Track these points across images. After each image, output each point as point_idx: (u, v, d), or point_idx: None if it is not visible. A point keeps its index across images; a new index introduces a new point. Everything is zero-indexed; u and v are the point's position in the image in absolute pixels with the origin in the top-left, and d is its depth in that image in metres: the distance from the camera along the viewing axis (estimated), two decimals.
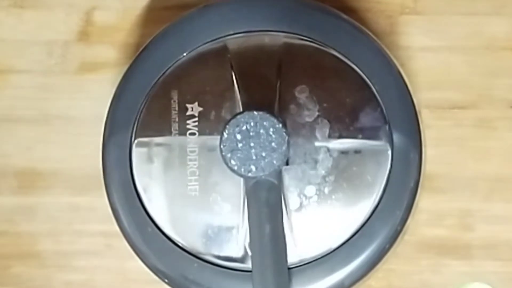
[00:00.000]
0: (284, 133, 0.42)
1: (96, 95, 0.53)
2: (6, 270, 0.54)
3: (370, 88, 0.47)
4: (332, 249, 0.46)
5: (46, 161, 0.54)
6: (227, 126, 0.42)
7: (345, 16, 0.49)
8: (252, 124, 0.42)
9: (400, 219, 0.46)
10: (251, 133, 0.42)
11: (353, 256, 0.46)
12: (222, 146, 0.42)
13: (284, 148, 0.42)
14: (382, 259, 0.46)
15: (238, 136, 0.42)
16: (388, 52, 0.48)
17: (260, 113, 0.42)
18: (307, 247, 0.46)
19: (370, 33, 0.49)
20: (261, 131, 0.42)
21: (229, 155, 0.42)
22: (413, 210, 0.47)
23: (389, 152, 0.46)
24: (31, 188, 0.54)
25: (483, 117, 0.54)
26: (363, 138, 0.46)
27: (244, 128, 0.42)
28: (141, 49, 0.49)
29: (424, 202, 0.53)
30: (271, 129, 0.42)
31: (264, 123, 0.42)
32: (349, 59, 0.47)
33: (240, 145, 0.42)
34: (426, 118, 0.53)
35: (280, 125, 0.42)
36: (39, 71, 0.55)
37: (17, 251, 0.54)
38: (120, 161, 0.47)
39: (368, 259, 0.46)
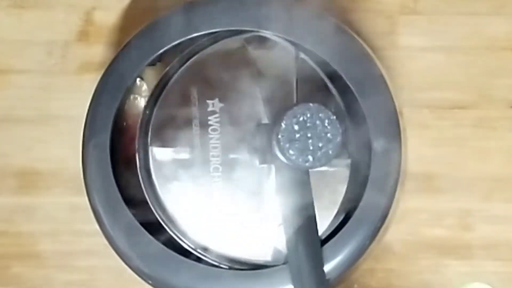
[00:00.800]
0: (338, 125, 0.43)
1: None
2: (6, 270, 0.54)
3: (349, 88, 0.47)
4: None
5: (46, 161, 0.54)
6: (285, 117, 0.42)
7: (327, 16, 0.49)
8: (308, 115, 0.42)
9: (380, 217, 0.46)
10: (308, 124, 0.42)
11: (334, 253, 0.46)
12: (280, 136, 0.42)
13: (338, 139, 0.42)
14: (362, 256, 0.46)
15: (296, 127, 0.42)
16: (370, 52, 0.48)
17: (316, 105, 0.43)
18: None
19: (353, 33, 0.49)
20: (317, 122, 0.42)
21: (287, 145, 0.42)
22: (393, 208, 0.47)
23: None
24: (31, 188, 0.54)
25: (483, 117, 0.54)
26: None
27: (301, 119, 0.42)
28: (118, 50, 0.49)
29: (424, 202, 0.53)
30: (326, 121, 0.42)
31: (320, 114, 0.42)
32: (328, 60, 0.47)
33: (297, 135, 0.42)
34: (426, 118, 0.53)
35: (334, 117, 0.43)
36: (39, 71, 0.55)
37: (17, 251, 0.54)
38: (100, 162, 0.47)
39: (349, 256, 0.46)
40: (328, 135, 0.42)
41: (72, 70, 0.55)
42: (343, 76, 0.47)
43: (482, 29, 0.54)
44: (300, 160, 0.42)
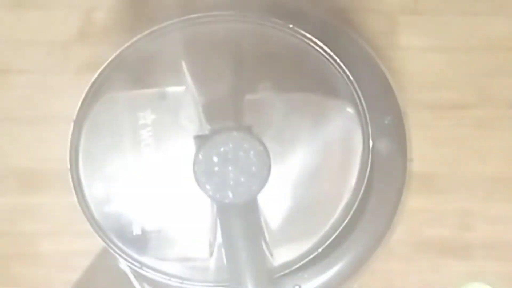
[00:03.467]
0: (266, 157, 0.38)
1: None
2: (6, 270, 0.54)
3: (351, 89, 0.47)
4: (320, 251, 0.46)
5: (46, 161, 0.54)
6: (203, 148, 0.37)
7: (326, 17, 0.48)
8: (231, 145, 0.37)
9: (386, 220, 0.46)
10: (229, 156, 0.37)
11: (342, 256, 0.45)
12: (196, 168, 0.37)
13: (265, 173, 0.38)
14: (368, 260, 0.46)
15: (215, 159, 0.37)
16: (372, 52, 0.48)
17: (241, 133, 0.38)
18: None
19: (352, 33, 0.48)
20: (241, 153, 0.37)
21: (203, 179, 0.38)
22: (399, 211, 0.46)
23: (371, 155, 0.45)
24: (31, 188, 0.54)
25: (483, 117, 0.54)
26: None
27: (222, 149, 0.37)
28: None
29: (424, 202, 0.53)
30: (252, 152, 0.38)
31: (245, 145, 0.37)
32: (330, 60, 0.47)
33: (216, 168, 0.37)
34: (426, 118, 0.54)
35: (263, 147, 0.38)
36: (39, 71, 0.55)
37: (17, 251, 0.54)
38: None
39: (355, 259, 0.45)
40: (253, 168, 0.37)
41: (72, 70, 0.55)
42: (346, 76, 0.47)
43: (482, 29, 0.54)
44: (218, 196, 0.38)
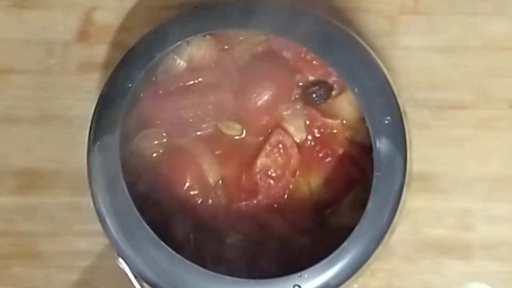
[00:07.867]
0: None
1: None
2: (6, 270, 0.54)
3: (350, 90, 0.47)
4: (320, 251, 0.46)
5: (46, 161, 0.54)
6: None
7: (326, 17, 0.49)
8: None
9: (386, 220, 0.46)
10: None
11: (341, 257, 0.45)
12: None
13: None
14: (368, 259, 0.46)
15: None
16: (372, 52, 0.48)
17: None
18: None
19: (352, 33, 0.48)
20: None
21: None
22: (399, 211, 0.46)
23: (372, 156, 0.46)
24: (31, 188, 0.54)
25: (483, 117, 0.54)
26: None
27: None
28: (126, 52, 0.49)
29: (424, 202, 0.53)
30: None
31: None
32: (327, 60, 0.47)
33: None
34: (426, 118, 0.54)
35: None
36: (39, 71, 0.55)
37: (17, 251, 0.54)
38: (106, 165, 0.46)
39: (355, 259, 0.45)
40: None
41: (72, 70, 0.55)
42: (345, 77, 0.47)
43: (482, 29, 0.54)
44: None
